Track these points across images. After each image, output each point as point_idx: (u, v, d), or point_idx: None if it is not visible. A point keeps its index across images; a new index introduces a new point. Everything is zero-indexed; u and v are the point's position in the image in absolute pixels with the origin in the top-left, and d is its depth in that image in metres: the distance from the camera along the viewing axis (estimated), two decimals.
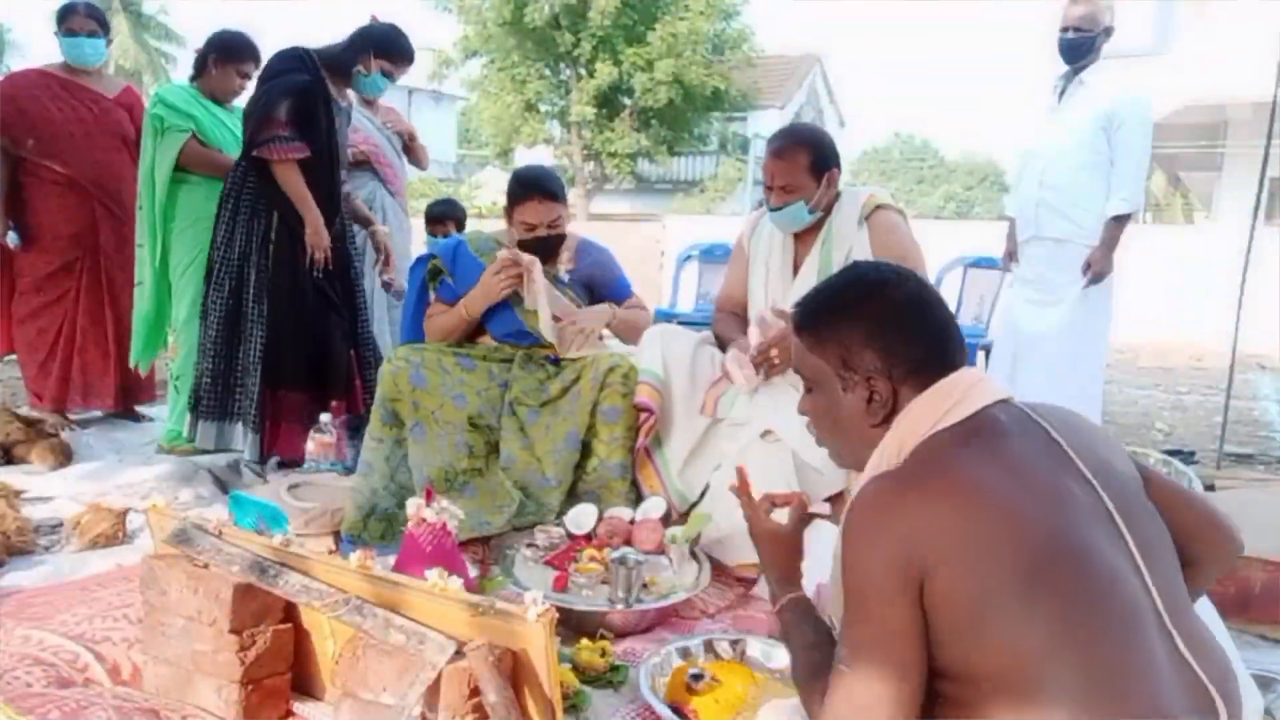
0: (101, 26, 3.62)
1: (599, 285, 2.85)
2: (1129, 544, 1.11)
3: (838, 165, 2.52)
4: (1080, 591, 1.05)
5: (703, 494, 2.46)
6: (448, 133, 23.86)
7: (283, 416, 3.13)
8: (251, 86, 3.27)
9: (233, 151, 3.32)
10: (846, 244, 2.50)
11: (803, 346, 1.32)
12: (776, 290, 2.59)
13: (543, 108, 18.32)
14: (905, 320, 1.24)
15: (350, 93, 3.35)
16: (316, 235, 3.06)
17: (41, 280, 3.62)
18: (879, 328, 1.24)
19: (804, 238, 2.59)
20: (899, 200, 2.66)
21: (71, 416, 3.74)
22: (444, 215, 3.65)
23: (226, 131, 3.46)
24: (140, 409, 3.92)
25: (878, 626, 1.09)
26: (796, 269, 2.59)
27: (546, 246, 2.71)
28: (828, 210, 2.54)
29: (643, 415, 2.51)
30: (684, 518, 2.39)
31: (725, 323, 2.72)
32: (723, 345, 2.63)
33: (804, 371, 1.33)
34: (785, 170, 2.46)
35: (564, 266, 2.80)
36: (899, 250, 2.43)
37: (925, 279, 1.32)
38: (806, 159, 2.45)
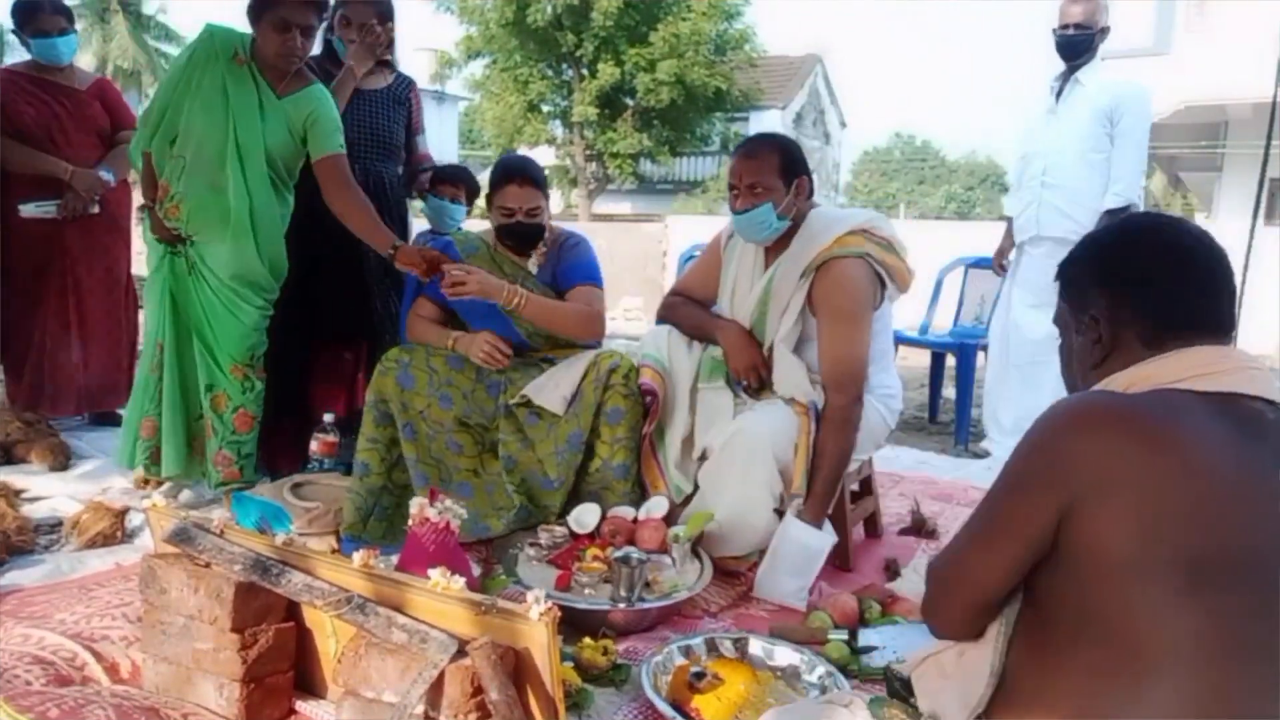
0: (68, 20, 3.52)
1: (560, 273, 2.72)
2: None
3: (808, 175, 2.42)
4: (1242, 614, 0.99)
5: (695, 490, 2.46)
6: (450, 133, 23.84)
7: None
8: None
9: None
10: (784, 297, 2.39)
11: (1062, 288, 1.29)
12: (742, 303, 2.53)
13: (545, 108, 18.30)
14: (1147, 268, 1.15)
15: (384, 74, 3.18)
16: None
17: (16, 281, 3.50)
18: (1113, 270, 1.18)
19: (772, 253, 2.48)
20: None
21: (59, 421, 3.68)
22: (456, 178, 3.22)
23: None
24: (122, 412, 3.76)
25: (1005, 516, 1.11)
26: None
27: (523, 235, 2.65)
28: (792, 233, 2.43)
29: (648, 399, 2.51)
30: (683, 506, 2.41)
31: (688, 307, 2.65)
32: (691, 332, 2.59)
33: (1058, 317, 1.31)
34: (755, 169, 2.36)
35: (535, 261, 2.71)
36: (838, 313, 2.33)
37: (1206, 234, 1.18)
38: (777, 160, 2.36)
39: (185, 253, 2.73)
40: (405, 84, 3.26)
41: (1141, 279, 1.15)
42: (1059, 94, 3.65)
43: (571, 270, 2.71)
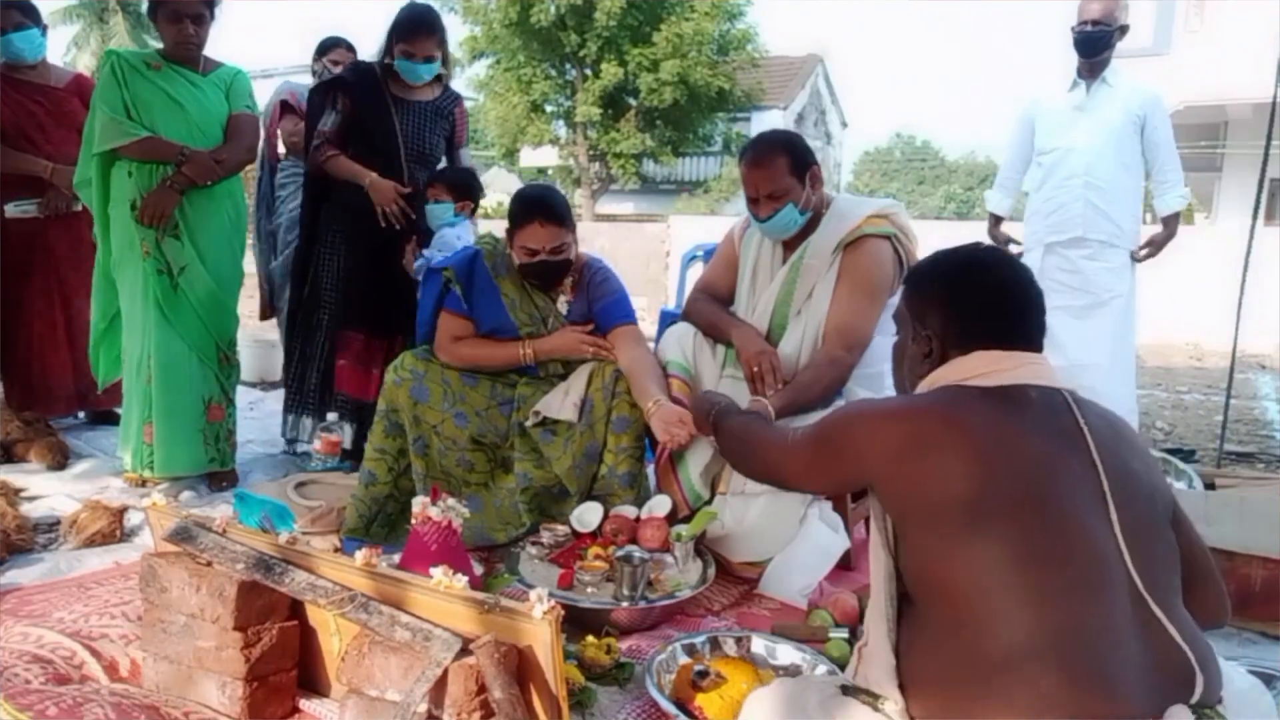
0: (29, 17, 3.44)
1: (597, 312, 2.63)
2: (1114, 525, 1.18)
3: (815, 163, 2.46)
4: (1040, 540, 1.15)
5: (712, 495, 2.44)
6: None
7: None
8: None
9: None
10: (814, 275, 2.43)
11: (904, 293, 1.51)
12: (762, 290, 2.55)
13: (548, 108, 18.27)
14: (980, 300, 1.38)
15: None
16: (377, 191, 3.03)
17: (2, 283, 3.41)
18: (954, 299, 1.40)
19: (792, 242, 2.53)
20: (901, 200, 2.62)
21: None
22: (438, 179, 3.18)
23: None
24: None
25: (827, 449, 1.42)
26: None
27: (548, 273, 2.54)
28: (817, 216, 2.48)
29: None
30: (691, 515, 2.39)
31: (707, 304, 2.63)
32: (705, 329, 2.57)
33: (899, 314, 1.51)
34: (769, 177, 2.39)
35: (565, 298, 2.62)
36: (860, 283, 2.39)
37: (1023, 265, 1.44)
38: (786, 161, 2.39)
39: (168, 264, 2.94)
40: (452, 99, 3.34)
41: (980, 314, 1.37)
42: (1085, 91, 3.62)
43: (610, 309, 2.62)
